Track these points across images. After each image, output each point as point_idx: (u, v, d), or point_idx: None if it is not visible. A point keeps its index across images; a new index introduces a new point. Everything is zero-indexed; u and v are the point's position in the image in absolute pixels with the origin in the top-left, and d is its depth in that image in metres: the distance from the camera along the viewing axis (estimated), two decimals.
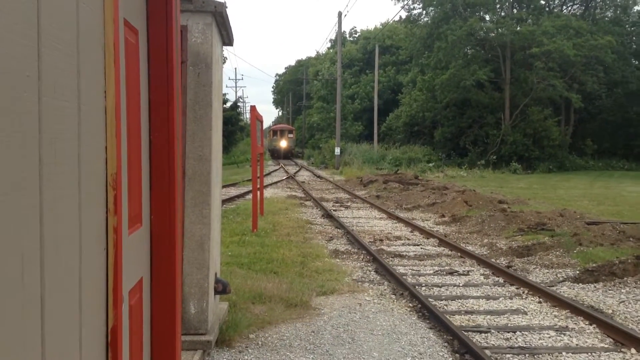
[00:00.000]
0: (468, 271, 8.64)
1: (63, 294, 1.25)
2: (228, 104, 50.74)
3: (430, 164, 37.06)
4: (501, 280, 8.08)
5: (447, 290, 7.60)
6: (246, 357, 5.05)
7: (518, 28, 40.50)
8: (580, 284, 7.79)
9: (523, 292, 7.38)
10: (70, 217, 1.29)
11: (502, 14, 43.57)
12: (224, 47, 5.74)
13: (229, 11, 5.06)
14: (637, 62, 45.36)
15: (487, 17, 43.96)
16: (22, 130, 1.02)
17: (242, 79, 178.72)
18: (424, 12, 45.71)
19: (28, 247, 1.06)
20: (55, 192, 1.18)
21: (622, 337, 5.55)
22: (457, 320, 6.18)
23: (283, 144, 60.42)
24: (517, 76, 41.03)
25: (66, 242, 1.26)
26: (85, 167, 1.37)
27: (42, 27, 1.10)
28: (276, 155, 60.13)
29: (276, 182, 27.15)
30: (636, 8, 46.78)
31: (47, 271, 1.15)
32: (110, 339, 1.58)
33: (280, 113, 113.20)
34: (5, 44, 0.96)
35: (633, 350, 5.29)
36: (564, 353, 5.27)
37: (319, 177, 32.86)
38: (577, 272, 8.30)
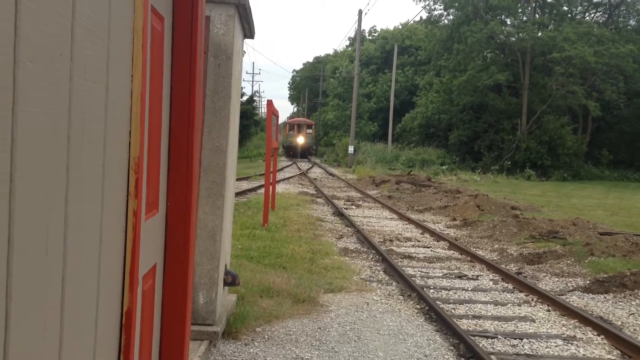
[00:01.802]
0: (477, 276, 8.60)
1: (83, 272, 1.26)
2: (244, 98, 50.94)
3: (444, 167, 36.92)
4: (510, 286, 8.04)
5: (455, 293, 7.57)
6: (252, 349, 5.06)
7: (539, 34, 40.18)
8: (590, 294, 7.72)
9: (532, 300, 7.34)
10: (94, 198, 1.30)
11: (524, 18, 43.23)
12: (244, 40, 5.75)
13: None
14: None
15: (508, 22, 43.65)
16: (53, 108, 1.04)
17: (260, 74, 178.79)
18: (445, 13, 45.51)
19: (53, 223, 1.08)
20: (81, 172, 1.20)
21: (630, 350, 5.50)
22: (464, 324, 6.16)
23: (300, 140, 53.36)
24: (536, 82, 40.70)
25: (88, 221, 1.28)
26: (110, 149, 1.38)
27: (77, 7, 1.12)
28: (292, 153, 53.29)
29: (288, 178, 27.19)
30: None
31: (69, 249, 1.16)
32: (125, 320, 1.60)
33: (295, 109, 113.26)
34: (42, 22, 0.97)
35: None
36: None
37: (331, 174, 32.86)
38: (588, 282, 8.23)
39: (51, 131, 1.04)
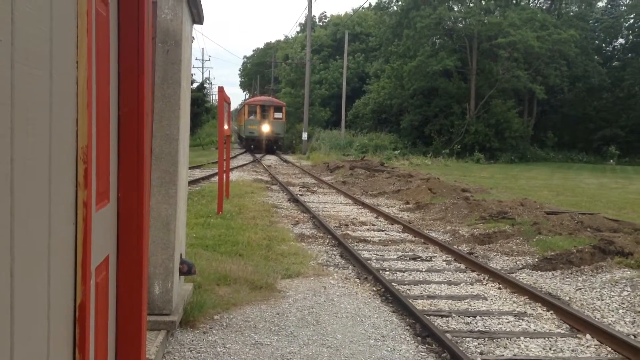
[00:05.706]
0: (431, 257, 8.78)
1: (32, 267, 1.22)
2: (194, 85, 50.01)
3: (396, 152, 37.40)
4: (463, 266, 8.24)
5: (410, 275, 7.71)
6: (210, 337, 5.03)
7: (485, 19, 41.03)
8: (539, 272, 7.99)
9: (484, 278, 7.54)
10: (41, 189, 1.26)
11: (471, 4, 44.01)
12: (193, 26, 5.64)
13: None
14: (598, 58, 46.50)
15: (456, 8, 44.37)
16: None
17: (210, 60, 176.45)
18: None
19: None
20: (26, 163, 1.15)
21: (578, 324, 5.74)
22: (419, 305, 6.28)
23: (265, 128, 38.95)
24: (483, 67, 41.63)
25: (36, 214, 1.23)
26: (56, 138, 1.34)
27: None
28: (255, 145, 39.04)
29: (242, 166, 26.98)
30: (600, 4, 47.90)
31: (16, 242, 1.12)
32: (79, 315, 1.56)
33: (247, 96, 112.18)
34: None
35: (588, 336, 5.47)
36: (522, 337, 5.42)
37: (285, 161, 32.79)
38: (536, 259, 8.52)
39: None
